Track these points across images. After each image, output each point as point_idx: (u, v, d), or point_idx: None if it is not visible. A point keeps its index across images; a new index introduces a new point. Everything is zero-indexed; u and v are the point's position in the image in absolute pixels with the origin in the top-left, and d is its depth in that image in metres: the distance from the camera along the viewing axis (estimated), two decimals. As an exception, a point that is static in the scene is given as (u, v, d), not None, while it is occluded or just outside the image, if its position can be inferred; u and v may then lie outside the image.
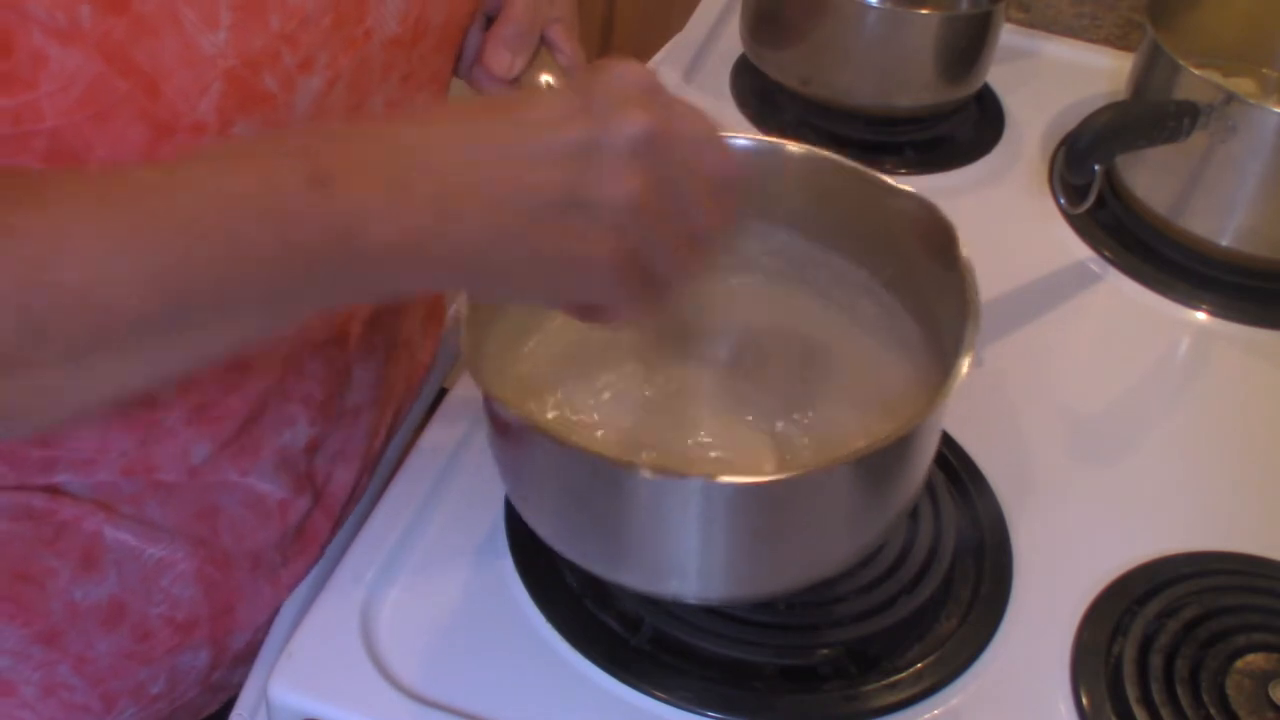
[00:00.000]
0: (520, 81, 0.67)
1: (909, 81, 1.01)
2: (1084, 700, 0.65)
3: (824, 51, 1.01)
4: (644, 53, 1.12)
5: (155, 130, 0.51)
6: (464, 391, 0.78)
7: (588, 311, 0.53)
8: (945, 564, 0.69)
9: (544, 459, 0.61)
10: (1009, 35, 1.10)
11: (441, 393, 0.80)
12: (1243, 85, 1.01)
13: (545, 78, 0.67)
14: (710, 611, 0.66)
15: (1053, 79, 1.12)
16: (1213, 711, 0.64)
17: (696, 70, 1.09)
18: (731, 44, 1.10)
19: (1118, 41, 1.17)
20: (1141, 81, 0.97)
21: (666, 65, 1.08)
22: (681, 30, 1.13)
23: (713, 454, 0.68)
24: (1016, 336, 0.87)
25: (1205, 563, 0.73)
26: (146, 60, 0.50)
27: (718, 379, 0.71)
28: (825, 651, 0.65)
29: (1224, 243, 0.92)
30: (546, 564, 0.68)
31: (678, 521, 0.58)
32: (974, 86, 1.05)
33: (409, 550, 0.69)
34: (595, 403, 0.69)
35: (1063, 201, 0.97)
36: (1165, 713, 0.64)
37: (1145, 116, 0.87)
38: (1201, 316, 0.91)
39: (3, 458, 0.61)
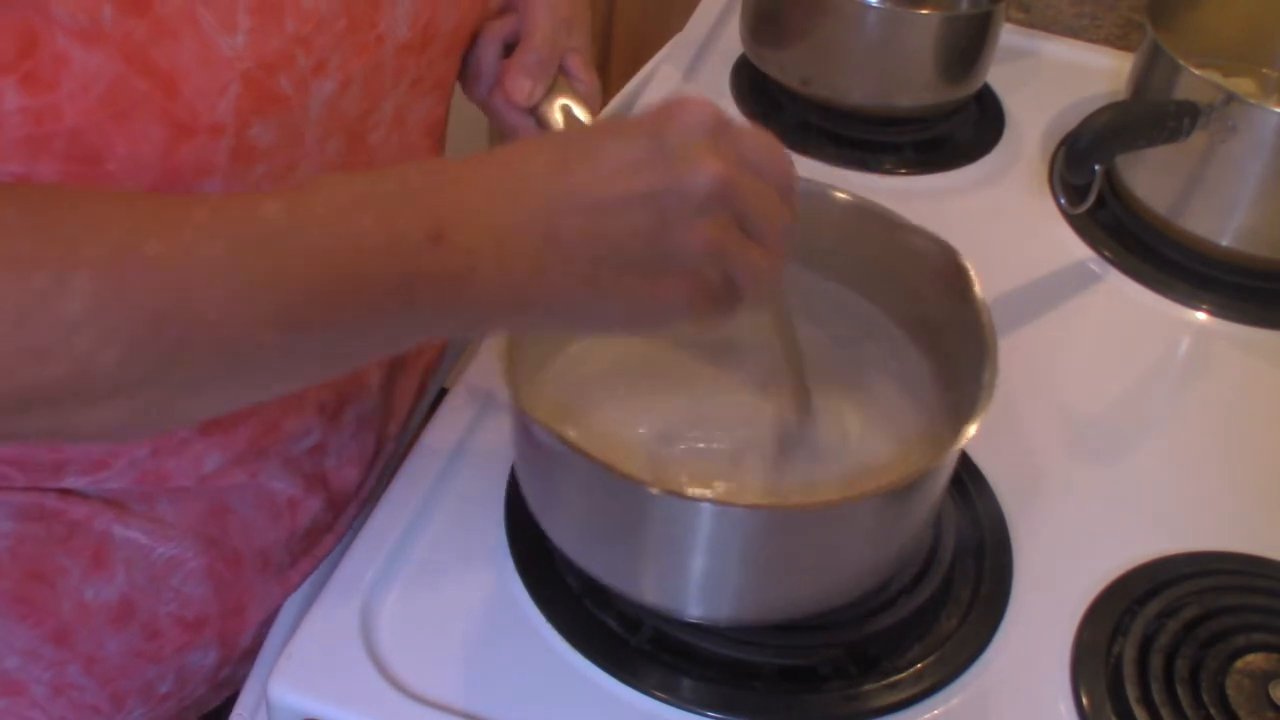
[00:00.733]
0: (538, 108, 0.69)
1: (909, 81, 1.01)
2: (1084, 700, 0.65)
3: (824, 51, 1.02)
4: (644, 53, 1.13)
5: (174, 130, 0.51)
6: (464, 392, 0.78)
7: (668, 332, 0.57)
8: (945, 564, 0.69)
9: (570, 474, 0.62)
10: (1009, 35, 1.10)
11: (441, 393, 0.80)
12: (1243, 85, 1.01)
13: (562, 102, 0.69)
14: (710, 611, 0.66)
15: (1053, 79, 1.12)
16: (1213, 711, 0.64)
17: (696, 70, 1.09)
18: (731, 44, 1.10)
19: (1118, 41, 1.17)
20: (1141, 81, 0.97)
21: (666, 65, 1.08)
22: (681, 30, 1.13)
23: (728, 478, 0.69)
24: (1016, 336, 0.87)
25: (1205, 563, 0.73)
26: (166, 61, 0.50)
27: (736, 405, 0.72)
28: (825, 651, 0.65)
29: (1224, 243, 0.92)
30: (546, 564, 0.68)
31: (688, 542, 0.59)
32: (974, 86, 1.05)
33: (409, 550, 0.69)
34: (620, 422, 0.70)
35: (1063, 201, 0.97)
36: (1165, 713, 0.64)
37: (1145, 116, 0.87)
38: (1201, 316, 0.91)
39: (13, 462, 0.61)
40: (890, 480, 0.60)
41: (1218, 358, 0.89)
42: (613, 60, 1.66)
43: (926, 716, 0.64)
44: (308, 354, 0.49)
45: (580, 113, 0.69)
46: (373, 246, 0.47)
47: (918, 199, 0.99)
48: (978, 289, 0.66)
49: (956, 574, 0.70)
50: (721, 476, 0.68)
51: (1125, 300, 0.92)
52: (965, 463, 0.76)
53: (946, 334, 0.68)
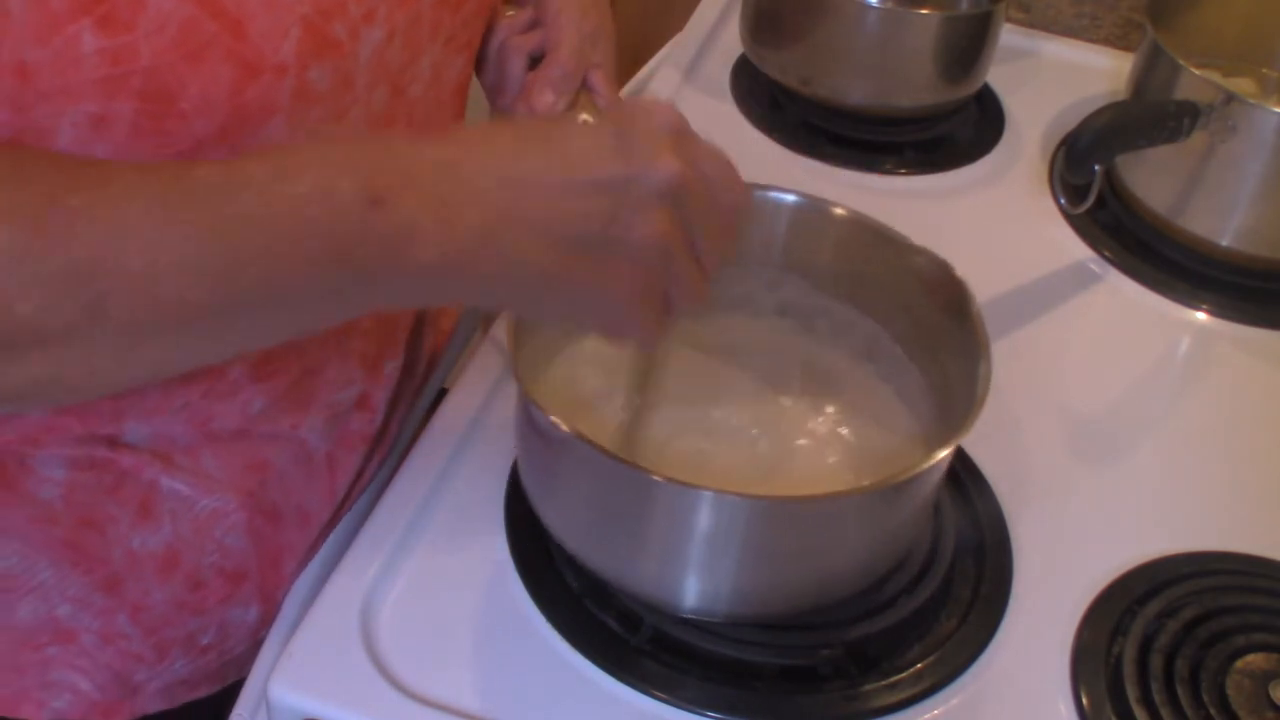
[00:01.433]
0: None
1: (909, 81, 1.01)
2: (1084, 700, 0.65)
3: (824, 51, 1.01)
4: (644, 53, 1.13)
5: (242, 70, 0.53)
6: (464, 392, 0.78)
7: (612, 333, 0.57)
8: (945, 564, 0.69)
9: (572, 462, 0.62)
10: (1009, 35, 1.10)
11: (441, 393, 0.80)
12: (1243, 85, 1.01)
13: (583, 116, 0.71)
14: (710, 611, 0.66)
15: (1053, 79, 1.12)
16: (1213, 711, 0.64)
17: (696, 70, 1.09)
18: (731, 44, 1.10)
19: (1118, 41, 1.17)
20: (1141, 81, 0.97)
21: (666, 65, 1.08)
22: (681, 30, 1.13)
23: (724, 469, 0.69)
24: (1016, 337, 0.87)
25: (1205, 563, 0.73)
26: (233, 4, 0.52)
27: (733, 407, 0.72)
28: (825, 651, 0.65)
29: (1224, 243, 0.92)
30: (546, 564, 0.68)
31: (686, 531, 0.60)
32: (974, 86, 1.05)
33: (409, 550, 0.69)
34: (622, 423, 0.70)
35: (1063, 201, 0.97)
36: (1165, 713, 0.64)
37: (1145, 116, 0.87)
38: (1201, 316, 0.91)
39: (71, 411, 0.63)
40: (887, 474, 0.60)
41: (1218, 358, 0.89)
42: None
43: (926, 716, 0.64)
44: (241, 317, 0.49)
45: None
46: (308, 209, 0.47)
47: (918, 199, 0.99)
48: (975, 305, 0.66)
49: (956, 574, 0.70)
50: (720, 475, 0.68)
51: (1125, 300, 0.92)
52: (965, 463, 0.76)
53: (943, 342, 0.68)
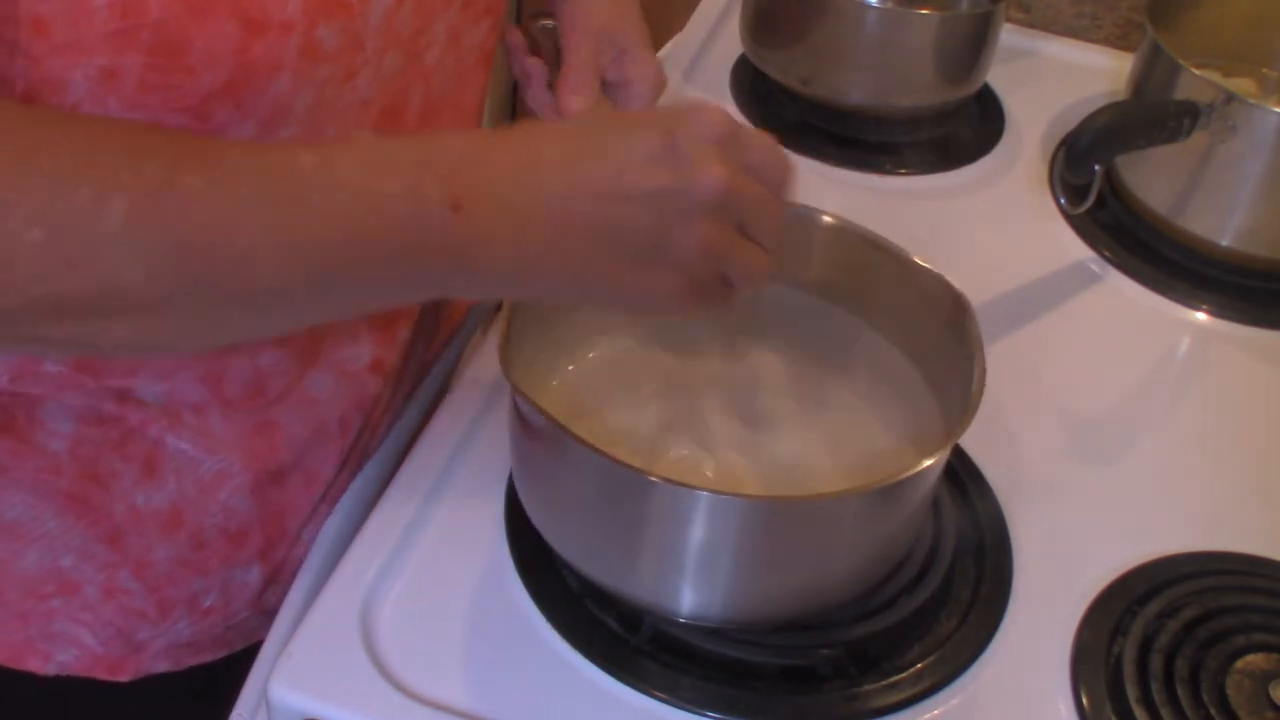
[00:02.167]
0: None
1: (909, 81, 1.01)
2: (1084, 700, 0.65)
3: (824, 51, 1.01)
4: (644, 53, 1.13)
5: (248, 27, 0.54)
6: (464, 392, 0.78)
7: (663, 316, 0.63)
8: (945, 564, 0.69)
9: (564, 463, 0.62)
10: (1009, 35, 1.10)
11: (442, 393, 0.80)
12: (1243, 85, 1.01)
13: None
14: (710, 611, 0.66)
15: (1053, 79, 1.12)
16: (1213, 711, 0.64)
17: (696, 70, 1.09)
18: (731, 44, 1.10)
19: (1118, 41, 1.17)
20: (1141, 81, 0.97)
21: (666, 65, 1.07)
22: (681, 30, 1.13)
23: (721, 472, 0.69)
24: (1016, 337, 0.87)
25: (1205, 563, 0.73)
26: None
27: (734, 410, 0.73)
28: (825, 651, 0.65)
29: (1224, 243, 0.92)
30: (546, 564, 0.68)
31: (684, 533, 0.60)
32: (974, 86, 1.05)
33: (409, 550, 0.69)
34: (620, 418, 0.71)
35: (1063, 201, 0.97)
36: (1165, 713, 0.64)
37: (1145, 116, 0.87)
38: (1201, 316, 0.91)
39: (86, 366, 0.64)
40: (883, 475, 0.60)
41: (1218, 358, 0.89)
42: (613, 60, 1.65)
43: (926, 716, 0.64)
44: (322, 298, 0.53)
45: None
46: (397, 209, 0.51)
47: (917, 199, 0.99)
48: (969, 306, 0.66)
49: (956, 574, 0.70)
50: (717, 480, 0.68)
51: (1125, 300, 0.92)
52: (965, 463, 0.76)
53: (940, 344, 0.68)
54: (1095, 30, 1.18)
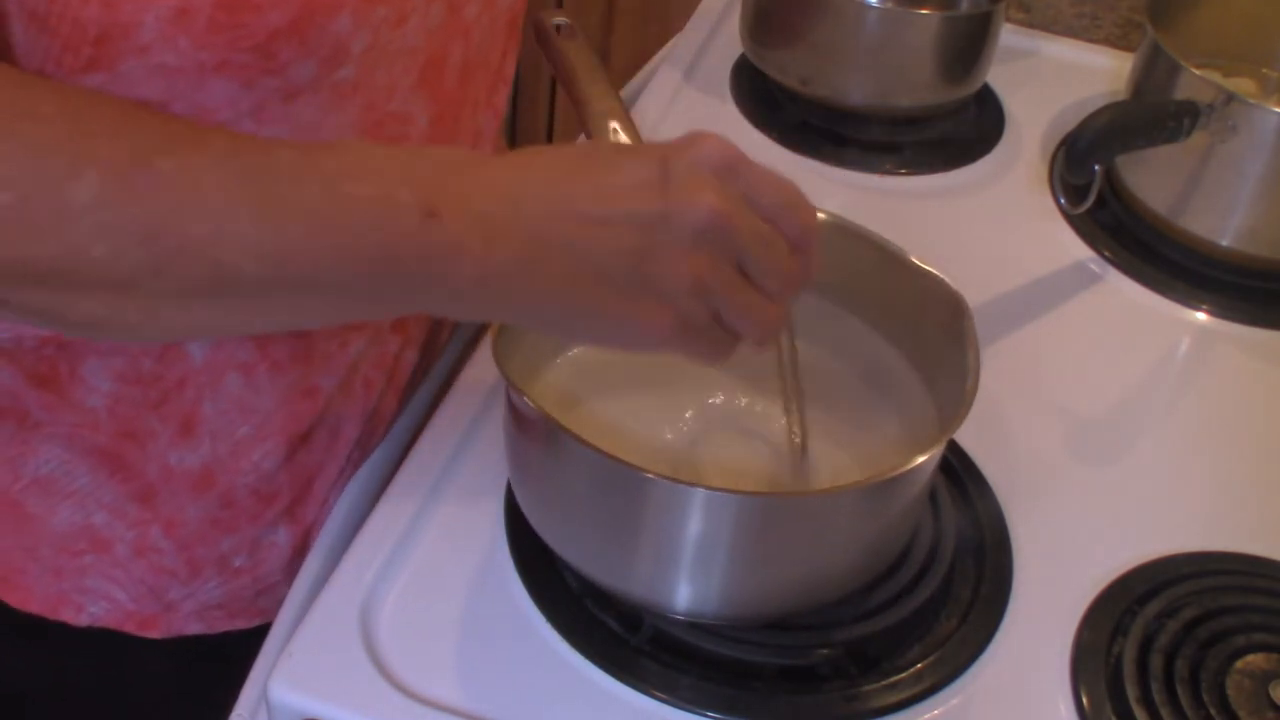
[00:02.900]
0: (589, 125, 0.71)
1: (909, 81, 1.01)
2: (1084, 700, 0.65)
3: (824, 51, 1.01)
4: (644, 53, 1.13)
5: None
6: (464, 392, 0.78)
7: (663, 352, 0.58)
8: (945, 564, 0.69)
9: (558, 456, 0.62)
10: (1009, 35, 1.10)
11: (442, 392, 0.80)
12: (1243, 85, 1.01)
13: (613, 124, 0.70)
14: (710, 611, 0.66)
15: (1053, 79, 1.12)
16: (1213, 711, 0.64)
17: (696, 70, 1.09)
18: (731, 44, 1.10)
19: (1118, 41, 1.17)
20: (1141, 81, 0.97)
21: (666, 65, 1.08)
22: (681, 30, 1.13)
23: (717, 469, 0.69)
24: (1016, 337, 0.87)
25: (1205, 563, 0.73)
26: None
27: (734, 409, 0.73)
28: (825, 651, 0.65)
29: (1224, 243, 0.92)
30: (546, 564, 0.68)
31: (678, 529, 0.60)
32: (974, 86, 1.05)
33: (409, 550, 0.69)
34: (616, 415, 0.70)
35: (1063, 201, 0.97)
36: (1165, 713, 0.64)
37: (1145, 116, 0.87)
38: (1201, 316, 0.91)
39: None
40: (878, 471, 0.60)
41: (1218, 358, 0.89)
42: (613, 60, 1.66)
43: (926, 716, 0.64)
44: (287, 297, 0.52)
45: (625, 138, 0.71)
46: (367, 211, 0.50)
47: (918, 199, 0.99)
48: (965, 306, 0.66)
49: (956, 574, 0.70)
50: (715, 479, 0.68)
51: (1125, 300, 0.92)
52: (965, 463, 0.76)
53: (937, 344, 0.68)
54: (1095, 30, 1.18)
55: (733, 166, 0.53)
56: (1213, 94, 0.87)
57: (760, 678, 0.65)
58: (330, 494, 0.76)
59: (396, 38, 0.61)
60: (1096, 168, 0.85)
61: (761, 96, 1.07)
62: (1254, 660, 0.66)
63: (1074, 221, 0.97)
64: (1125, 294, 0.92)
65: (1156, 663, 0.66)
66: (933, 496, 0.72)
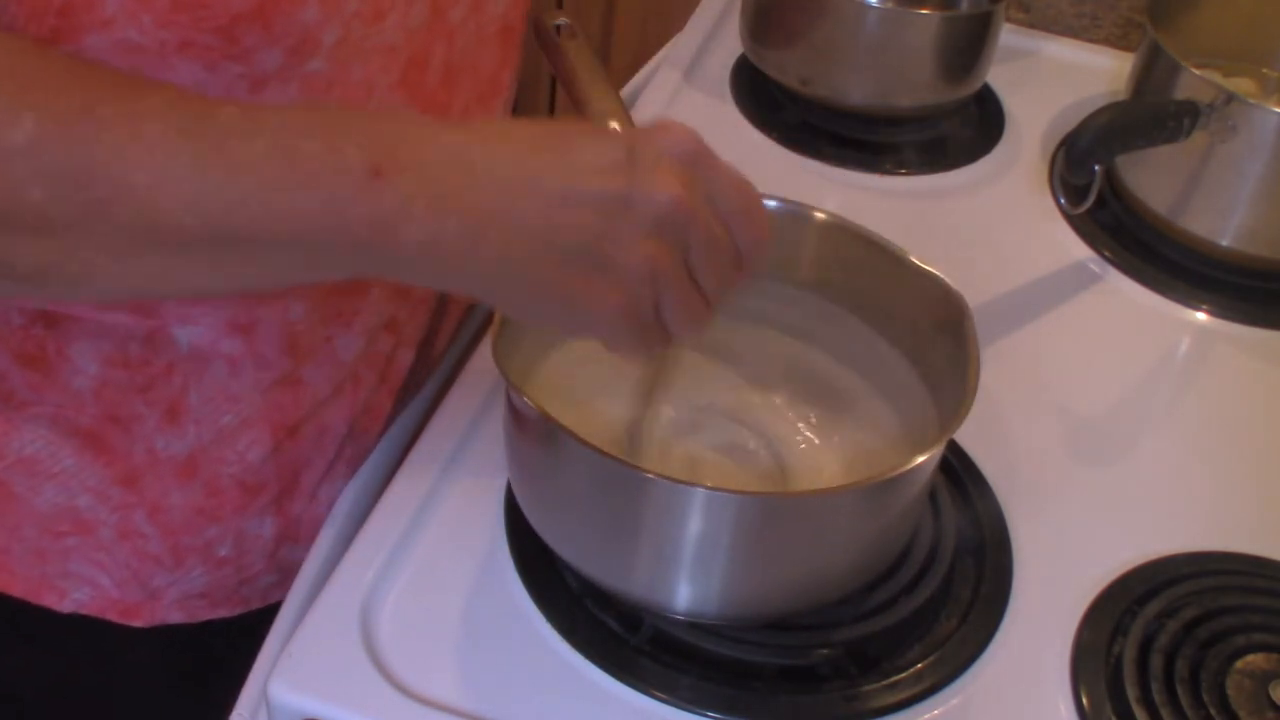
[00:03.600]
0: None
1: (909, 81, 1.01)
2: (1084, 700, 0.65)
3: (824, 51, 1.01)
4: (644, 53, 1.13)
5: None
6: (464, 392, 0.78)
7: (605, 344, 0.57)
8: (945, 564, 0.69)
9: (557, 455, 0.62)
10: (1009, 35, 1.10)
11: (442, 392, 0.80)
12: (1243, 85, 1.01)
13: (612, 124, 0.70)
14: (710, 611, 0.66)
15: (1053, 79, 1.12)
16: (1213, 711, 0.64)
17: (696, 70, 1.09)
18: (731, 44, 1.10)
19: (1118, 41, 1.17)
20: (1141, 81, 0.97)
21: (666, 65, 1.08)
22: (681, 30, 1.13)
23: (717, 469, 0.69)
24: (1016, 337, 0.87)
25: (1205, 563, 0.73)
26: None
27: (732, 408, 0.73)
28: (825, 651, 0.65)
29: (1224, 243, 0.92)
30: (546, 564, 0.68)
31: (678, 529, 0.60)
32: (974, 86, 1.05)
33: (409, 550, 0.69)
34: (616, 415, 0.70)
35: (1063, 201, 0.97)
36: (1165, 713, 0.64)
37: (1145, 116, 0.87)
38: (1201, 316, 0.91)
39: (120, 308, 0.65)
40: (876, 472, 0.60)
41: (1218, 358, 0.89)
42: (613, 60, 1.66)
43: (926, 716, 0.64)
44: (231, 253, 0.51)
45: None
46: (311, 167, 0.49)
47: (918, 199, 0.99)
48: (969, 321, 0.66)
49: (956, 574, 0.70)
50: (715, 479, 0.68)
51: (1125, 300, 0.92)
52: (965, 463, 0.76)
53: (937, 343, 0.68)
54: (1095, 30, 1.18)
55: (699, 160, 0.53)
56: (1213, 94, 0.87)
57: (760, 678, 0.65)
58: (318, 488, 0.76)
59: (373, 34, 0.60)
60: (1096, 168, 0.85)
61: (761, 96, 1.07)
62: (1254, 660, 0.66)
63: (1074, 221, 0.97)
64: (1125, 294, 0.92)
65: (1156, 663, 0.66)
66: (933, 496, 0.72)
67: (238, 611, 0.77)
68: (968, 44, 1.01)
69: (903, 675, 0.65)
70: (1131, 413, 0.84)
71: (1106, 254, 0.94)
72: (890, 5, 1.00)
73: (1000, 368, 0.74)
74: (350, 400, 0.74)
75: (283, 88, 0.58)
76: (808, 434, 0.71)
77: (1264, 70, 1.05)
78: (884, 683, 0.65)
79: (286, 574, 0.75)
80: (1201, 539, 0.74)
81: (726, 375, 0.73)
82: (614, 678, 0.64)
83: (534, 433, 0.63)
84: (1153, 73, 0.94)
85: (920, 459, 0.60)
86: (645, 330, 0.54)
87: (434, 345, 0.82)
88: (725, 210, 0.54)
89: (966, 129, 1.06)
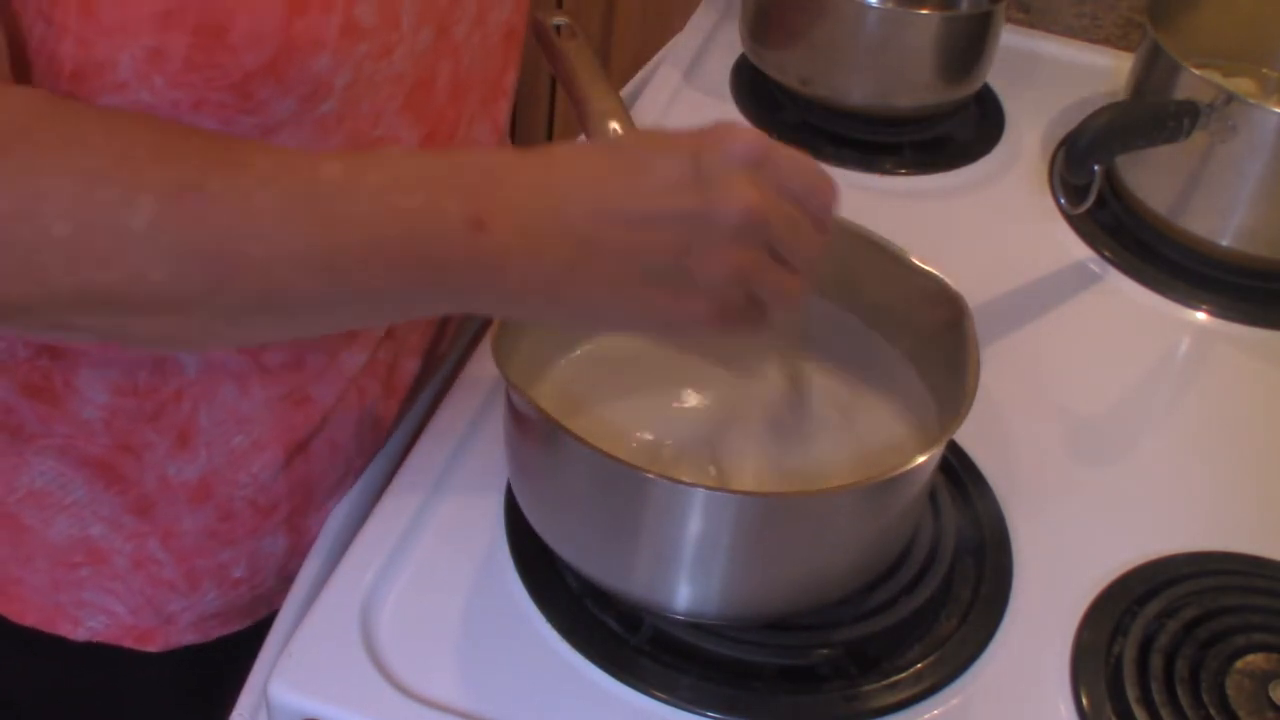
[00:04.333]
0: (590, 126, 0.71)
1: (909, 81, 1.01)
2: (1084, 700, 0.65)
3: (824, 51, 1.01)
4: (644, 53, 1.13)
5: (290, 6, 0.55)
6: (464, 392, 0.78)
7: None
8: (945, 564, 0.69)
9: (558, 456, 0.62)
10: (1009, 35, 1.10)
11: (442, 392, 0.80)
12: (1243, 85, 1.01)
13: (613, 124, 0.71)
14: (710, 611, 0.66)
15: (1053, 79, 1.12)
16: (1213, 711, 0.64)
17: (696, 70, 1.09)
18: (731, 44, 1.10)
19: (1118, 41, 1.17)
20: (1141, 81, 0.97)
21: (666, 65, 1.08)
22: (681, 30, 1.13)
23: (722, 471, 0.69)
24: (1016, 337, 0.87)
25: (1205, 563, 0.73)
26: None
27: (733, 409, 0.72)
28: (825, 651, 0.65)
29: (1224, 243, 0.92)
30: (546, 564, 0.68)
31: (678, 529, 0.60)
32: (974, 86, 1.05)
33: (409, 550, 0.69)
34: (618, 415, 0.70)
35: (1063, 201, 0.97)
36: (1165, 713, 0.64)
37: (1145, 116, 0.87)
38: (1201, 316, 0.91)
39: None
40: (876, 472, 0.60)
41: (1218, 358, 0.89)
42: (613, 60, 1.66)
43: (926, 716, 0.64)
44: (342, 307, 0.54)
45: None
46: (417, 224, 0.51)
47: (917, 199, 0.99)
48: (969, 321, 0.66)
49: (956, 574, 0.70)
50: (713, 471, 0.68)
51: (1125, 300, 0.92)
52: (965, 463, 0.76)
53: (938, 344, 0.68)
54: (1095, 30, 1.18)
55: (764, 157, 0.54)
56: (1213, 94, 0.87)
57: (760, 678, 0.65)
58: (330, 503, 0.76)
59: (382, 68, 0.61)
60: (1096, 168, 0.85)
61: (761, 96, 1.07)
62: (1254, 660, 0.66)
63: (1074, 221, 0.97)
64: (1125, 294, 0.92)
65: (1156, 663, 0.66)
66: (933, 496, 0.72)
67: (248, 624, 0.77)
68: (968, 44, 1.01)
69: (903, 675, 0.65)
70: (1131, 413, 0.84)
71: (1106, 254, 0.94)
72: (890, 5, 1.00)
73: (1000, 368, 0.74)
74: (357, 413, 0.74)
75: (296, 130, 0.59)
76: (808, 432, 0.71)
77: (1264, 70, 1.05)
78: (884, 683, 0.65)
79: (292, 581, 0.75)
80: (1201, 539, 0.74)
81: (725, 374, 0.73)
82: (614, 678, 0.64)
83: (534, 433, 0.63)
84: (1153, 73, 0.94)
85: (920, 459, 0.60)
86: (741, 322, 0.56)
87: (438, 352, 0.82)
88: (795, 192, 0.55)
89: (966, 129, 1.06)
